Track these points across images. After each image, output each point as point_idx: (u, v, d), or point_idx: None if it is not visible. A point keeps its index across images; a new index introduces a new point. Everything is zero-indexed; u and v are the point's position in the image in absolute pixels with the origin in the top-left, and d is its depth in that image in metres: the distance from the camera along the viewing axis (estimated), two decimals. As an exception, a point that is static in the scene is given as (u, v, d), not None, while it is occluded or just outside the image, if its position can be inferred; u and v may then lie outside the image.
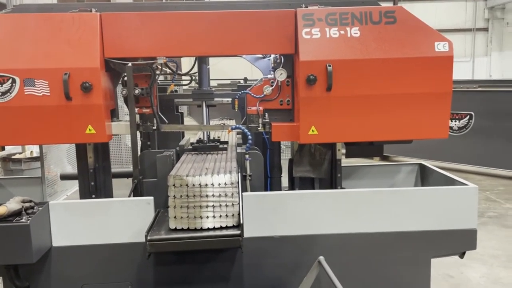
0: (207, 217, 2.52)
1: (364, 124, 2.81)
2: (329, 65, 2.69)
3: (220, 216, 2.53)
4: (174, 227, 2.51)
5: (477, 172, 8.68)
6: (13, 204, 2.52)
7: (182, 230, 2.51)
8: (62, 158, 6.40)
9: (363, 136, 2.86)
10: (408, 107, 2.80)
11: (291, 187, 3.33)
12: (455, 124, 9.37)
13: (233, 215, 2.54)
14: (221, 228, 2.53)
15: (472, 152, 8.38)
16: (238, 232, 2.48)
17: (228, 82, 11.02)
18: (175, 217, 2.51)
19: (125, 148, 7.50)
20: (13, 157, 6.75)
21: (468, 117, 9.27)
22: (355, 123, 2.81)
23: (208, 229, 2.51)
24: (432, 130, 2.86)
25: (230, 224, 2.54)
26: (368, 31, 2.75)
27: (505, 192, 7.53)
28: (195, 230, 2.51)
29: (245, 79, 3.96)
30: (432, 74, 2.77)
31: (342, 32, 2.74)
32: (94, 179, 3.07)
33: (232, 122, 3.78)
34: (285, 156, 4.15)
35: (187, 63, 3.40)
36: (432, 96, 2.80)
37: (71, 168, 6.10)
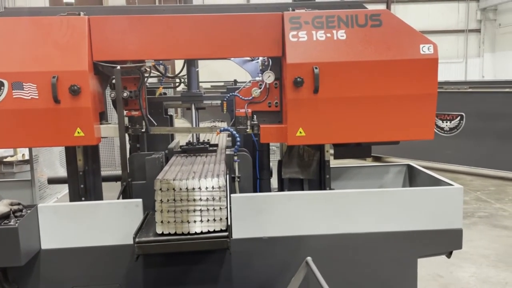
0: (195, 221, 2.50)
1: (351, 125, 2.84)
2: (316, 68, 2.72)
3: (208, 220, 2.52)
4: (161, 232, 2.50)
5: (468, 172, 8.75)
6: (1, 207, 2.53)
7: (169, 233, 2.52)
8: (54, 161, 6.40)
9: (350, 137, 2.89)
10: (394, 109, 2.83)
11: (281, 188, 3.35)
12: (447, 125, 9.46)
13: (221, 219, 2.53)
14: (209, 232, 2.52)
15: (463, 152, 8.45)
16: (226, 233, 2.50)
17: (222, 83, 11.04)
18: (162, 221, 2.49)
19: (117, 150, 7.50)
20: (4, 160, 6.73)
21: (459, 118, 9.35)
22: (342, 124, 2.83)
23: (196, 234, 2.51)
24: (418, 131, 2.89)
25: (218, 228, 2.52)
26: (354, 34, 2.78)
27: (496, 192, 7.60)
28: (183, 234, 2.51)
29: (235, 81, 3.98)
30: (417, 76, 2.80)
31: (329, 35, 2.77)
32: (83, 181, 3.08)
33: (224, 124, 3.80)
34: (276, 158, 4.17)
35: (181, 65, 3.41)
36: (417, 97, 2.83)
37: (63, 171, 6.08)
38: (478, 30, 21.12)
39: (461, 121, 8.34)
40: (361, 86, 2.78)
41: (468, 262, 4.87)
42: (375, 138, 2.90)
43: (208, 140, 3.51)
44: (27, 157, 6.74)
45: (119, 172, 3.23)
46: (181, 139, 3.80)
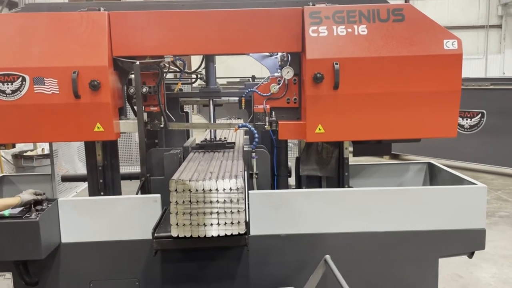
0: (211, 224, 2.41)
1: (372, 122, 2.79)
2: (336, 63, 2.67)
3: (225, 223, 2.42)
4: (176, 235, 2.42)
5: (489, 171, 8.57)
6: (26, 195, 2.57)
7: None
8: (73, 156, 6.48)
9: (370, 134, 2.84)
10: (416, 106, 2.77)
11: (299, 185, 3.32)
12: (467, 123, 9.27)
13: (238, 222, 2.41)
14: (226, 236, 2.43)
15: (484, 150, 8.27)
16: (244, 230, 2.48)
17: (238, 80, 11.03)
18: (177, 224, 2.41)
19: (135, 146, 7.56)
20: (24, 154, 6.85)
21: (480, 115, 9.16)
22: (362, 121, 2.79)
23: (213, 237, 2.43)
24: (440, 129, 2.83)
25: (235, 232, 2.42)
26: (376, 29, 2.73)
27: (517, 192, 7.42)
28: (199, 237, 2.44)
29: (253, 77, 3.96)
30: (440, 72, 2.74)
31: (350, 30, 2.72)
32: (102, 176, 3.10)
33: (240, 122, 3.78)
34: (294, 155, 4.13)
35: (197, 61, 3.40)
36: (440, 94, 2.76)
37: (82, 165, 6.16)
38: (499, 26, 20.62)
39: (482, 119, 8.14)
40: (382, 82, 2.73)
41: (488, 262, 4.76)
42: (396, 136, 2.85)
43: (225, 138, 3.49)
44: (46, 152, 6.85)
45: (134, 170, 3.24)
46: (197, 137, 3.79)
